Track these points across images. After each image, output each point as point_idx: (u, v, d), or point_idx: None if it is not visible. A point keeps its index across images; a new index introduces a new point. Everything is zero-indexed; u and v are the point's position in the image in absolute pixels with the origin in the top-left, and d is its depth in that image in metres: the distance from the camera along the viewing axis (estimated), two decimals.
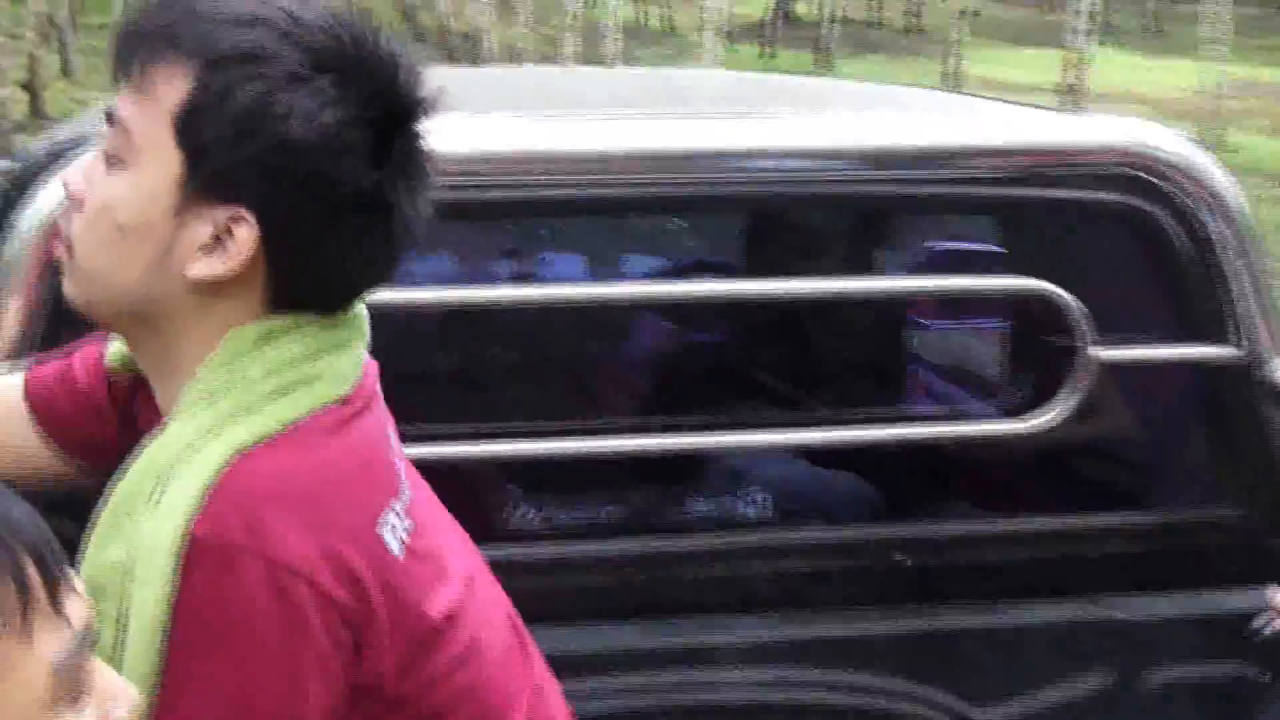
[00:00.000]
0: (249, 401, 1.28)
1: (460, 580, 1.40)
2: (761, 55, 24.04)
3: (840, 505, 2.57)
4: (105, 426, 1.51)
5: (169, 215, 1.28)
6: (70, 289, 1.35)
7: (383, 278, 1.37)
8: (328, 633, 1.23)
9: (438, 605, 1.34)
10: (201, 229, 1.28)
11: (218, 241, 1.28)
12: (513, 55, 19.63)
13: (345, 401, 1.33)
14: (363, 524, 1.29)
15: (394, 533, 1.31)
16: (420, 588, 1.33)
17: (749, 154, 2.30)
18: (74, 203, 1.33)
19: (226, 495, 1.22)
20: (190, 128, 1.26)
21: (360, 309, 1.40)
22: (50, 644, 0.87)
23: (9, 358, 1.96)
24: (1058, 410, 2.30)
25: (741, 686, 2.30)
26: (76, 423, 1.53)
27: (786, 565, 2.34)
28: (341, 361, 1.35)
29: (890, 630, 2.34)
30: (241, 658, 1.22)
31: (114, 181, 1.29)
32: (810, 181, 2.34)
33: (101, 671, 0.93)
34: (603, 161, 2.21)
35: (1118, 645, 2.38)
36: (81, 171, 1.33)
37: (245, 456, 1.24)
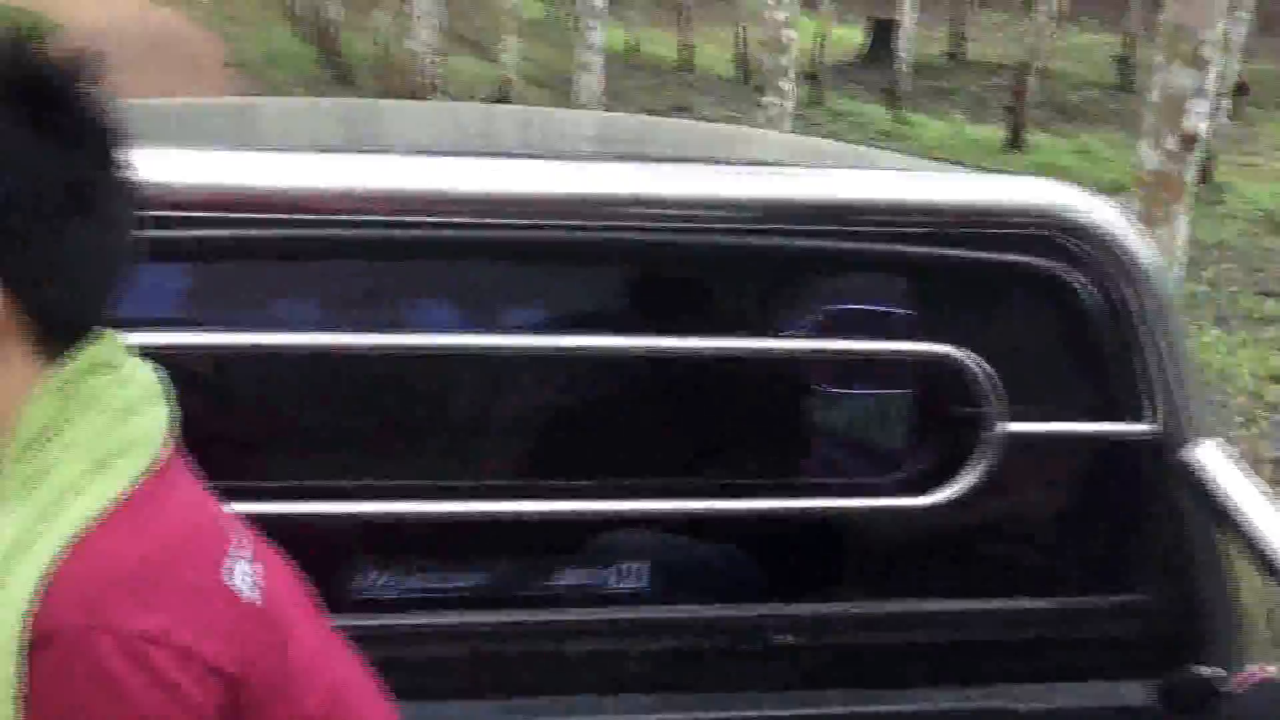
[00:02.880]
0: (69, 482, 1.24)
1: (313, 615, 1.42)
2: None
3: (721, 581, 2.37)
4: None
5: None
6: None
7: (114, 287, 1.30)
8: (197, 690, 1.21)
9: (305, 643, 1.36)
10: None
11: None
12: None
13: (162, 461, 1.31)
14: (209, 581, 1.27)
15: (243, 577, 1.30)
16: (285, 629, 1.34)
17: (631, 201, 2.12)
18: None
19: (63, 585, 1.18)
20: None
21: (146, 368, 1.36)
22: None
23: None
24: (961, 485, 2.15)
25: None
26: None
27: (661, 643, 2.19)
28: (150, 422, 1.32)
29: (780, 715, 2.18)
30: None
31: None
32: (700, 232, 2.16)
33: None
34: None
35: None
36: None
37: (78, 543, 1.21)
